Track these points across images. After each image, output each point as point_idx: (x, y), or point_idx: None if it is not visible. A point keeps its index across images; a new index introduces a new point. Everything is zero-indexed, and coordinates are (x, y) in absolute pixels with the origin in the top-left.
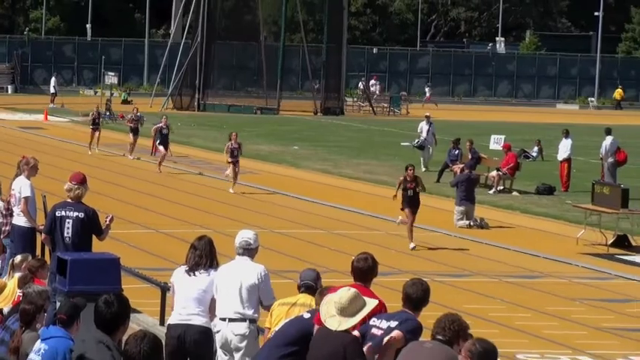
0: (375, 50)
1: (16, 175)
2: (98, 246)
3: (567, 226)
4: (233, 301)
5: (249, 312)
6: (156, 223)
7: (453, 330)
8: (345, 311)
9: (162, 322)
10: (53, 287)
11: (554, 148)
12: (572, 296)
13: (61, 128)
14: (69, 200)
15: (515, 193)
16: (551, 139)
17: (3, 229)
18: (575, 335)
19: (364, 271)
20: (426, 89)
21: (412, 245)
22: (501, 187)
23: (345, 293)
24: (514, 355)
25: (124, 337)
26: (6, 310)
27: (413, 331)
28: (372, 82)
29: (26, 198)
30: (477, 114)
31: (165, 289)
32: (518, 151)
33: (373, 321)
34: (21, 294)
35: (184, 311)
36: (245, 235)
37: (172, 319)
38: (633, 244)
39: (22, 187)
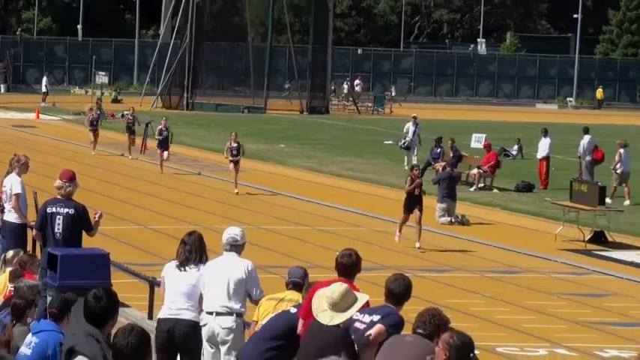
0: (359, 51)
1: (8, 173)
2: (88, 242)
3: (546, 222)
4: (220, 296)
5: (236, 306)
6: (145, 220)
7: (434, 324)
8: (337, 306)
9: (150, 316)
10: (44, 282)
11: (534, 146)
12: (550, 291)
13: (52, 126)
14: (59, 197)
15: (495, 190)
16: (531, 137)
17: None
18: (553, 329)
19: (348, 267)
20: (392, 88)
21: (418, 245)
22: (482, 185)
23: (337, 288)
24: (494, 348)
25: (113, 331)
26: None
27: (395, 325)
28: (357, 82)
29: (17, 195)
30: (459, 113)
31: (153, 283)
32: (498, 150)
33: (356, 315)
34: (12, 288)
35: (174, 305)
36: (232, 232)
37: (162, 313)
38: (610, 240)
39: (13, 184)
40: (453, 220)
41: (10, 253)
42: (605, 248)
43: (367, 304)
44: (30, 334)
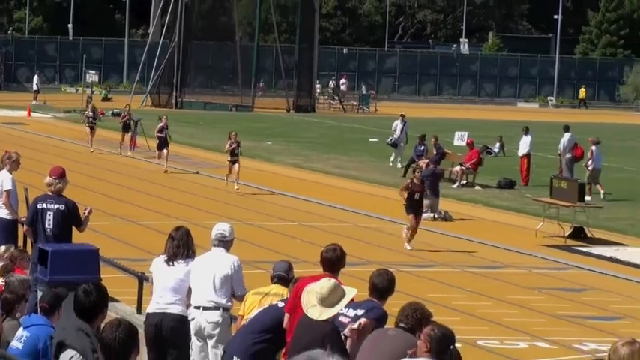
0: (345, 51)
1: None
2: (78, 237)
3: (527, 218)
4: (207, 290)
5: (223, 300)
6: (135, 216)
7: (416, 318)
8: (326, 301)
9: (139, 311)
10: (35, 277)
11: (515, 144)
12: (530, 285)
13: (43, 124)
14: (50, 193)
15: (477, 187)
16: (512, 135)
17: None
18: (533, 322)
19: (333, 262)
20: (363, 87)
21: (409, 247)
22: (464, 182)
23: (325, 283)
24: (475, 342)
25: (102, 325)
26: None
27: (379, 319)
28: (342, 81)
29: (8, 191)
30: (442, 112)
31: (142, 278)
32: (480, 147)
33: (341, 309)
34: (3, 283)
35: (162, 300)
36: (221, 228)
37: (150, 307)
38: (589, 236)
39: (3, 180)
40: (436, 216)
41: (2, 248)
42: (584, 244)
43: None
44: (21, 328)
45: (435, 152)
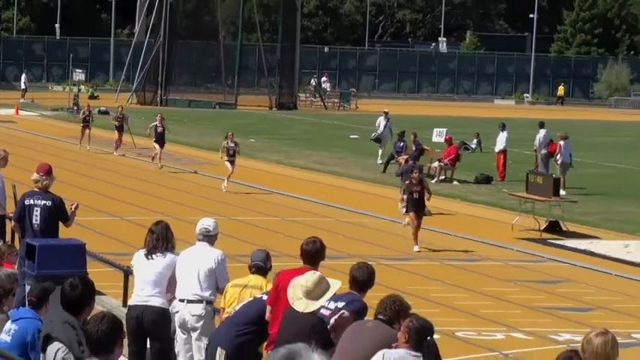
0: (326, 49)
1: None
2: (65, 232)
3: (503, 212)
4: (191, 284)
5: (206, 294)
6: (121, 211)
7: (394, 310)
8: (311, 294)
9: (125, 304)
10: (22, 271)
11: (492, 140)
12: (507, 278)
13: (31, 122)
14: (37, 190)
15: (455, 182)
16: (490, 132)
17: None
18: (509, 314)
19: (312, 254)
20: (324, 82)
21: (417, 248)
22: (443, 177)
23: (310, 277)
24: (453, 333)
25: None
26: None
27: (359, 312)
28: (324, 79)
29: None
30: (421, 109)
31: (128, 272)
32: (458, 144)
33: None
34: None
35: (142, 293)
36: (205, 223)
37: (132, 300)
38: (564, 229)
39: None
40: None
41: None
42: (559, 237)
43: None
44: (9, 321)
45: (414, 148)
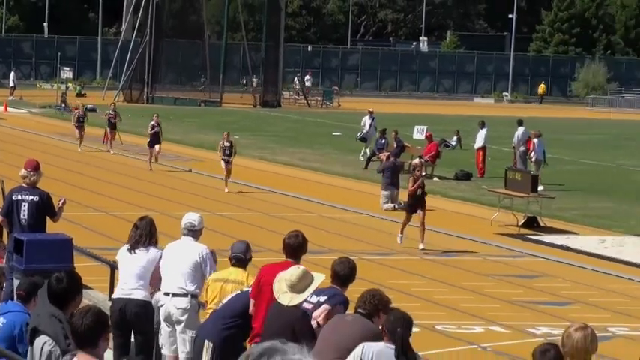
0: (309, 48)
1: None
2: (52, 227)
3: (482, 208)
4: (176, 277)
5: (191, 287)
6: (107, 207)
7: (373, 304)
8: (295, 287)
9: (111, 298)
10: (10, 265)
11: (472, 137)
12: (485, 272)
13: (19, 119)
14: (24, 185)
15: (436, 178)
16: (469, 129)
17: None
18: (488, 308)
19: (294, 248)
20: (306, 79)
21: (422, 246)
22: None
23: (295, 271)
24: (433, 326)
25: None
26: None
27: (340, 305)
28: (307, 77)
29: None
30: (402, 107)
31: (114, 266)
32: (439, 141)
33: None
34: None
35: (126, 286)
36: (190, 218)
37: (115, 293)
38: (542, 225)
39: None
40: (396, 206)
41: None
42: (537, 232)
43: None
44: None
45: (395, 145)
